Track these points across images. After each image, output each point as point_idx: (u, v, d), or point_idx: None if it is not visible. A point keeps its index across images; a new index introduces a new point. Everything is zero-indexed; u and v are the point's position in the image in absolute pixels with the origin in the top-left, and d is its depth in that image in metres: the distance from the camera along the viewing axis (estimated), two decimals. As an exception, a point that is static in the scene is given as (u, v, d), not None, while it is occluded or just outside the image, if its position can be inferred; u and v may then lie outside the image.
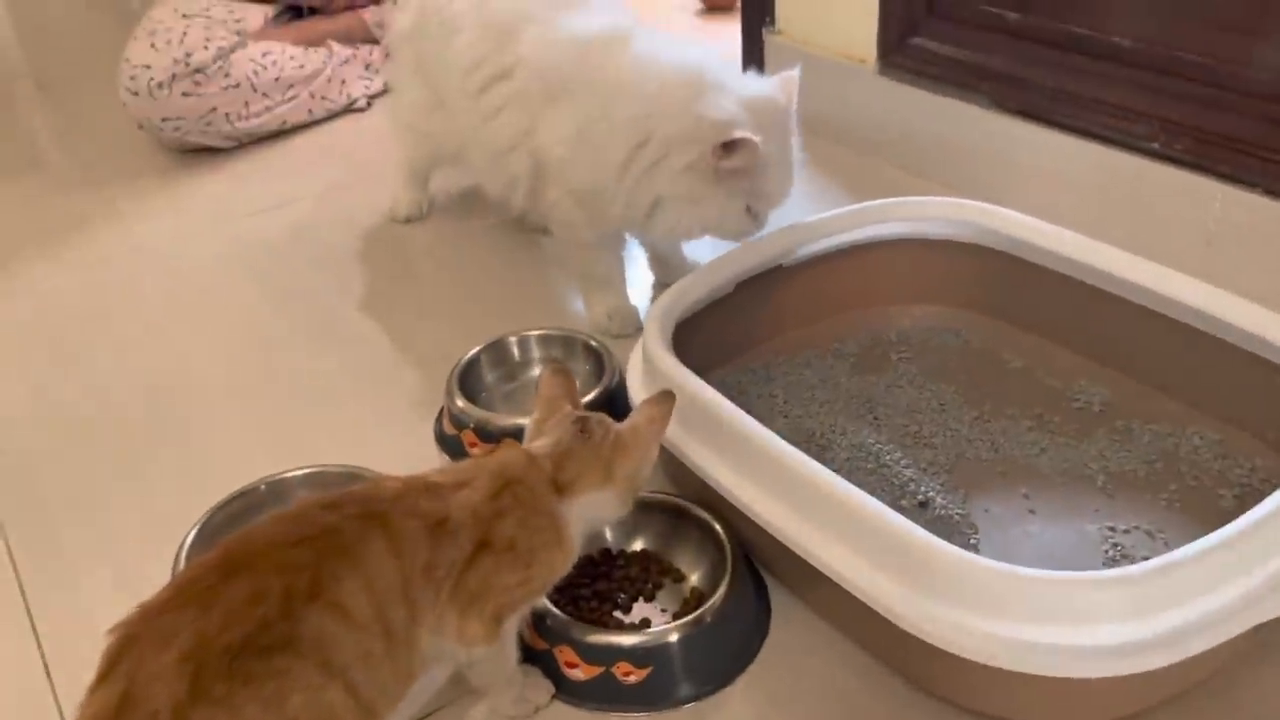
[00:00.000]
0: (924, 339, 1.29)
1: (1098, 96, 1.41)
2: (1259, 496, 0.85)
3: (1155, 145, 1.35)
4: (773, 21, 1.84)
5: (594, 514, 0.88)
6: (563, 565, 0.85)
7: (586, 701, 0.91)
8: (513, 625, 0.85)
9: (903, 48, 1.65)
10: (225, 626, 0.68)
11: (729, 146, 1.11)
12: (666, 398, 0.91)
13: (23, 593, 1.07)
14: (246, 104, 1.96)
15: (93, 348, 1.48)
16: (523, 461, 0.84)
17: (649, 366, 1.06)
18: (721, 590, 0.93)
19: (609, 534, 1.03)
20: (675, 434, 1.00)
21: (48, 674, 0.98)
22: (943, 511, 1.02)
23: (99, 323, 1.54)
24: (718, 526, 0.98)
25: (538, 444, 0.87)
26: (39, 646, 1.01)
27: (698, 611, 0.92)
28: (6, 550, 1.12)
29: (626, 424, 0.89)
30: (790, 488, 0.90)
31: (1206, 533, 0.80)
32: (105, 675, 0.67)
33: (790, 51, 1.77)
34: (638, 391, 1.07)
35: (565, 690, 0.91)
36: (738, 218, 1.19)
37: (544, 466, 0.84)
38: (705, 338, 1.18)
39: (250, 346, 1.45)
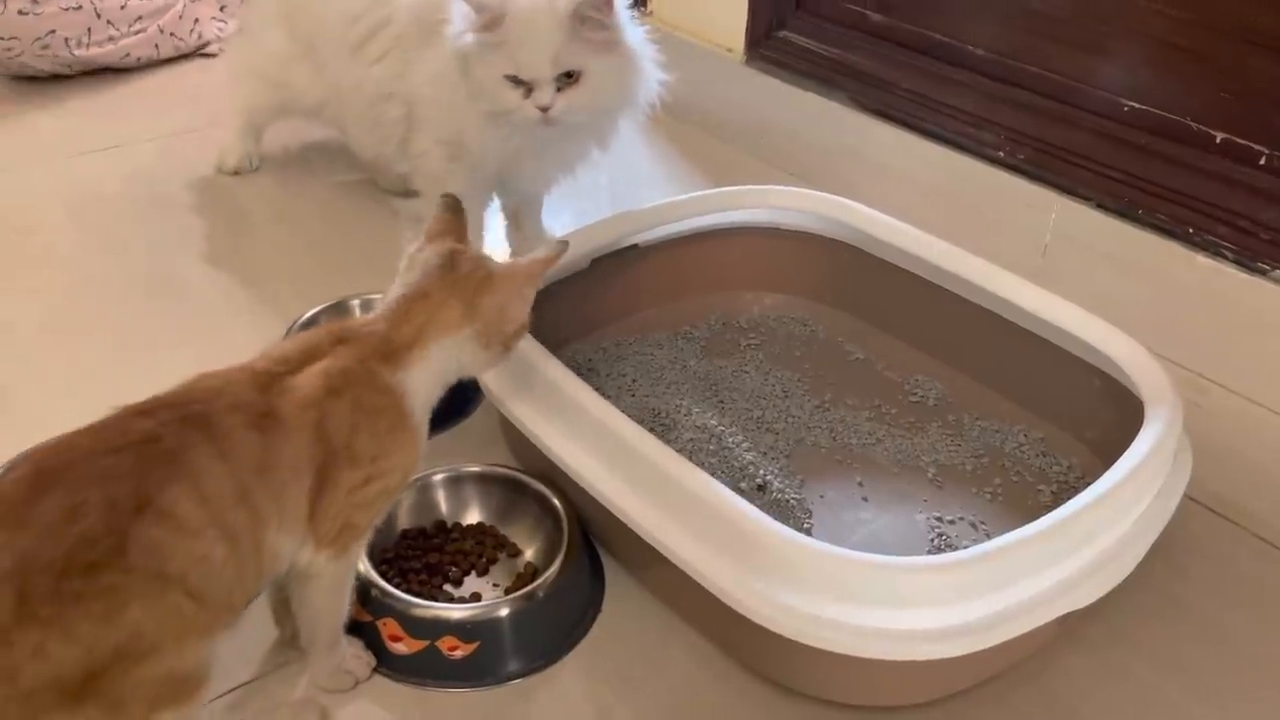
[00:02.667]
0: (773, 327, 1.30)
1: (950, 102, 1.46)
2: (1074, 493, 0.89)
3: (1000, 153, 1.40)
4: (644, 2, 1.83)
5: (451, 366, 0.83)
6: (413, 452, 0.80)
7: (409, 676, 0.88)
8: (360, 547, 0.82)
9: (770, 40, 1.67)
10: (44, 544, 0.63)
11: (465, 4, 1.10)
12: (559, 245, 0.87)
13: None
14: (89, 30, 1.82)
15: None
16: (348, 354, 0.77)
17: (496, 337, 1.03)
18: (556, 565, 0.91)
19: (443, 506, 1.00)
20: (518, 407, 0.99)
21: None
22: (780, 495, 1.03)
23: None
24: (556, 502, 0.97)
25: (372, 315, 0.82)
26: None
27: (529, 588, 0.90)
28: None
29: (500, 263, 0.85)
30: (630, 465, 0.89)
31: (1025, 525, 0.84)
32: None
33: (659, 34, 1.76)
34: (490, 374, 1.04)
35: (387, 664, 0.89)
36: (500, 87, 1.13)
37: (371, 338, 0.79)
38: (558, 312, 1.16)
39: (70, 291, 1.36)
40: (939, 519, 1.05)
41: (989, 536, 1.01)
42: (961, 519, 1.05)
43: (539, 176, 1.33)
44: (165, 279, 1.39)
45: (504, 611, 0.89)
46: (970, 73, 1.44)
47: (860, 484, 1.09)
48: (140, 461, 0.68)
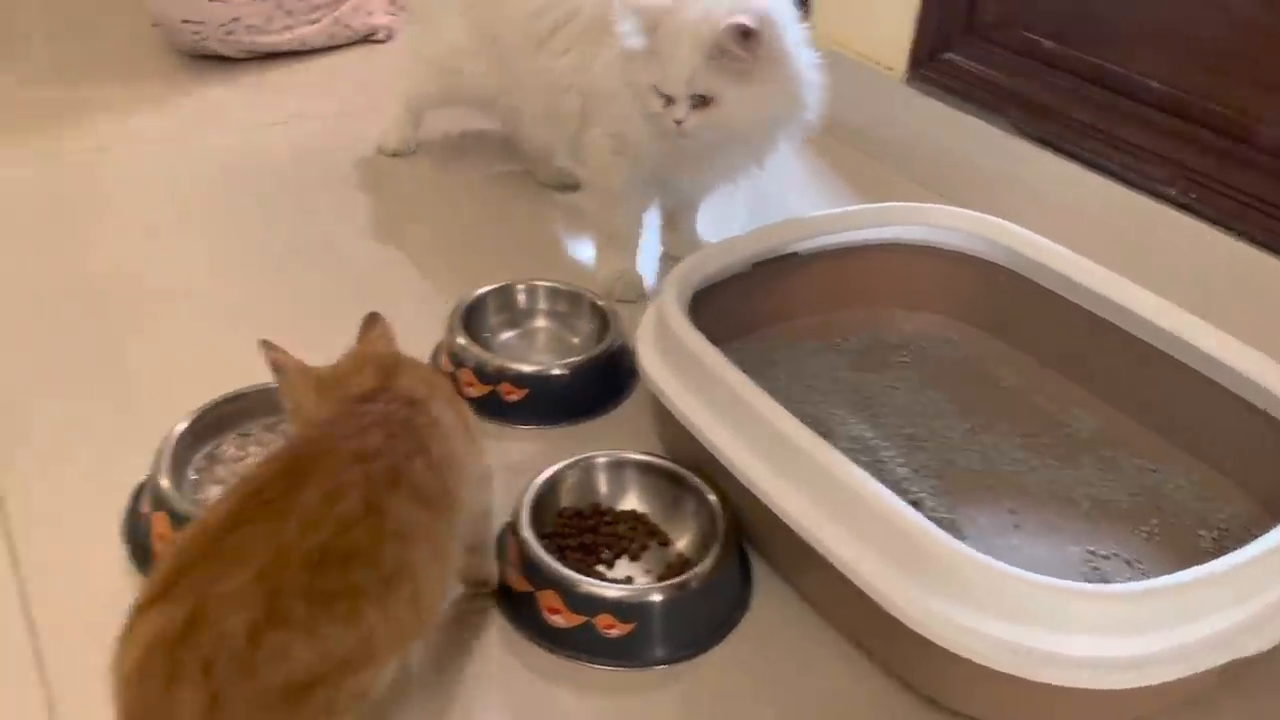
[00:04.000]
0: (923, 346, 1.30)
1: (1122, 135, 1.43)
2: (1238, 541, 0.87)
3: (1172, 191, 1.37)
4: (806, 15, 1.83)
5: None
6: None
7: (563, 648, 0.90)
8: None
9: (934, 61, 1.66)
10: (304, 532, 0.65)
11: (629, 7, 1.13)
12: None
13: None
14: (270, 18, 1.91)
15: (82, 237, 1.44)
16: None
17: (664, 331, 1.06)
18: (710, 558, 0.93)
19: (602, 489, 1.03)
20: (684, 401, 1.00)
21: (14, 561, 0.96)
22: (932, 514, 1.03)
23: (90, 212, 1.50)
24: (712, 497, 0.98)
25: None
26: (7, 535, 0.98)
27: (684, 575, 0.92)
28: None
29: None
30: (797, 465, 0.90)
31: (1183, 568, 0.82)
32: (162, 594, 0.64)
33: (818, 48, 1.77)
34: (649, 356, 1.06)
35: (543, 635, 0.91)
36: (648, 93, 1.15)
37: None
38: (714, 312, 1.17)
39: (246, 258, 1.42)
40: (1093, 553, 1.03)
41: (1144, 575, 1.00)
42: (1116, 555, 1.03)
43: (696, 181, 1.35)
44: (333, 250, 1.45)
45: (657, 597, 0.90)
46: (1145, 106, 1.42)
47: (1012, 511, 1.07)
48: (387, 438, 0.72)
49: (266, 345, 0.83)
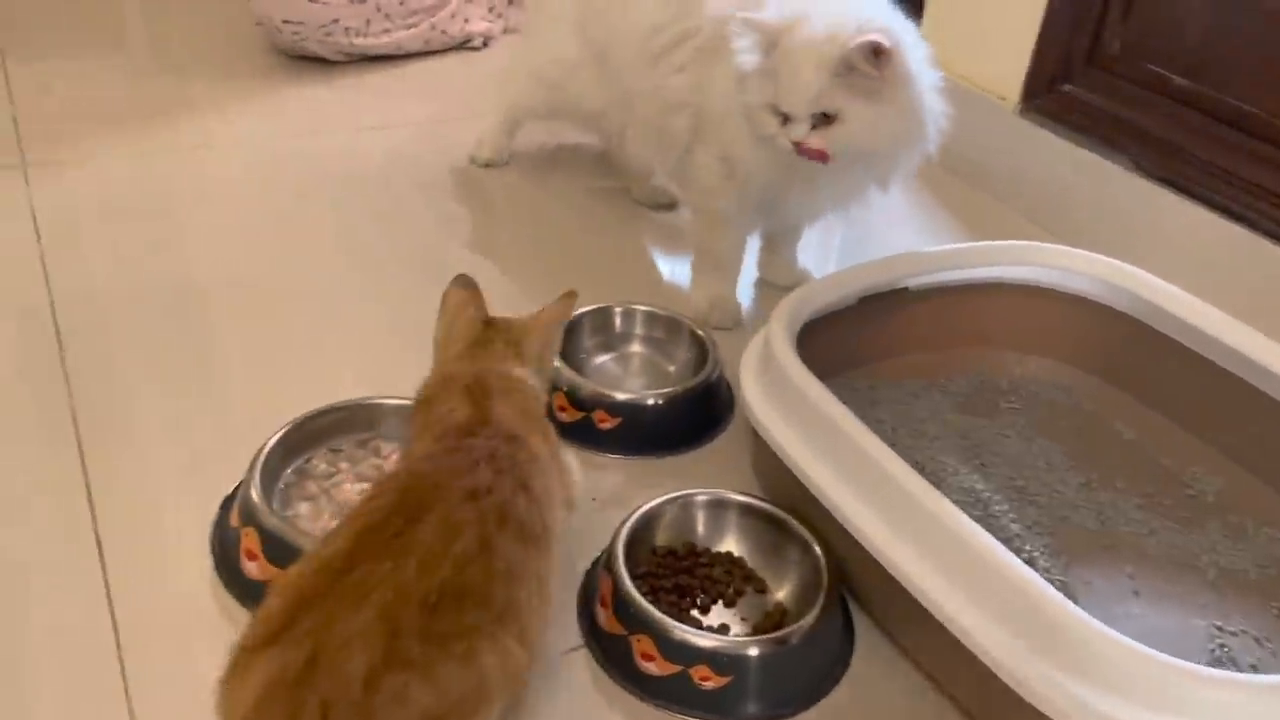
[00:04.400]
0: (1035, 392, 1.24)
1: (1254, 179, 1.36)
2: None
3: (1306, 239, 1.30)
4: (915, 39, 1.78)
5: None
6: None
7: (654, 697, 0.86)
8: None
9: (1051, 92, 1.60)
10: (423, 572, 0.64)
11: (746, 24, 1.10)
12: (569, 298, 0.95)
13: (86, 476, 1.03)
14: (369, 21, 1.91)
15: (183, 231, 1.44)
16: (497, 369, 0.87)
17: (769, 365, 1.01)
18: (814, 613, 0.88)
19: (700, 528, 0.98)
20: (788, 438, 0.96)
21: (101, 557, 0.94)
22: (1045, 575, 0.97)
23: (190, 207, 1.50)
24: (817, 548, 0.93)
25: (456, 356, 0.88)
26: (95, 532, 0.97)
27: (784, 630, 0.87)
28: (74, 428, 1.08)
29: (526, 316, 0.93)
30: (912, 520, 0.85)
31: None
32: (278, 635, 0.62)
33: (928, 73, 1.71)
34: (753, 390, 1.02)
35: (635, 683, 0.87)
36: (762, 112, 1.12)
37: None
38: (818, 345, 1.12)
39: (339, 263, 1.41)
40: (1219, 628, 0.96)
41: (1275, 657, 0.93)
42: (1245, 632, 0.96)
43: (806, 207, 1.31)
44: (431, 258, 1.42)
45: (755, 650, 0.86)
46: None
47: (1130, 575, 1.01)
48: (495, 475, 0.71)
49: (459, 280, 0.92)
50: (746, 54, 1.11)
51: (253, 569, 0.90)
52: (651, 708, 0.86)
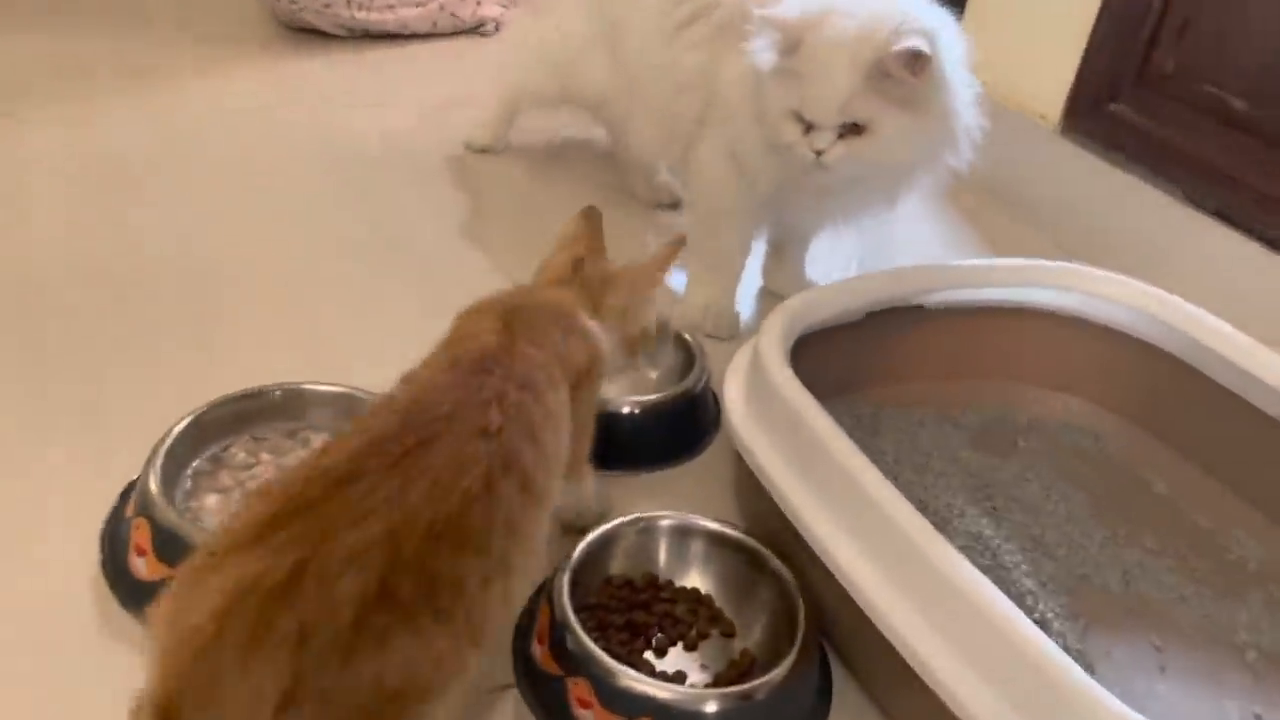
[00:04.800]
0: (1056, 433, 1.10)
1: (1317, 215, 1.23)
2: None
3: (1374, 286, 1.16)
4: (950, 51, 1.66)
5: None
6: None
7: (588, 753, 0.74)
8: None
9: (1095, 112, 1.47)
10: (433, 499, 0.57)
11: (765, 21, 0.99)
12: (677, 242, 0.91)
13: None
14: (372, -5, 1.81)
15: (141, 200, 1.34)
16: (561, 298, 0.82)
17: (758, 379, 0.89)
18: (784, 666, 0.75)
19: (661, 558, 0.86)
20: (774, 464, 0.83)
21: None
22: (1059, 641, 0.84)
23: (161, 175, 1.40)
24: (796, 591, 0.80)
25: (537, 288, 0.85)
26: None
27: (750, 684, 0.74)
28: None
29: (623, 267, 0.88)
30: (909, 566, 0.72)
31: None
32: (260, 538, 0.53)
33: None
34: (737, 405, 0.90)
35: (567, 732, 0.74)
36: (782, 118, 1.00)
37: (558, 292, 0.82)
38: (815, 362, 1.00)
39: (313, 242, 1.30)
40: (1259, 717, 0.82)
41: (1322, 756, 0.79)
42: (1288, 724, 0.82)
43: (814, 217, 1.19)
44: (407, 245, 1.32)
45: (713, 706, 0.73)
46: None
47: (1157, 648, 0.88)
48: (505, 419, 0.64)
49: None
50: (763, 53, 1.00)
51: (140, 566, 0.78)
52: (582, 764, 0.73)
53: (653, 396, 1.01)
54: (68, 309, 1.11)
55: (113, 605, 0.78)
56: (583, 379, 0.77)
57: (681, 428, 1.03)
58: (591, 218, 0.89)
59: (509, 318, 0.74)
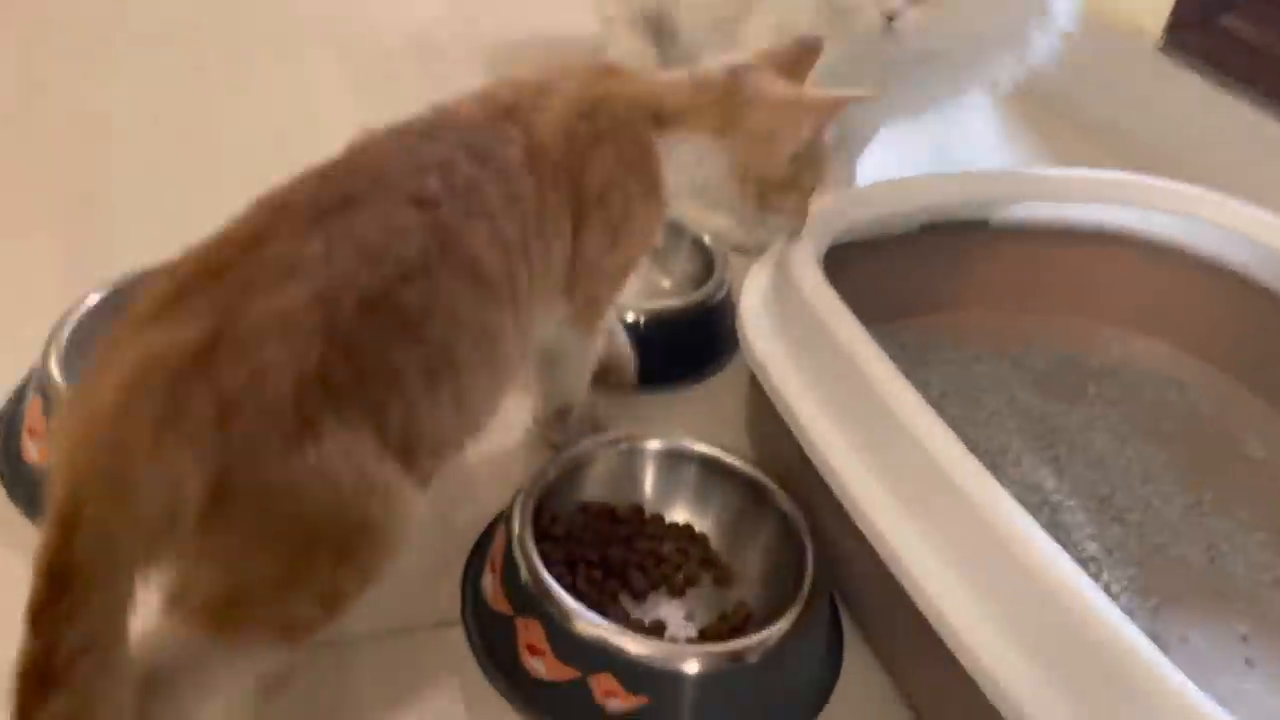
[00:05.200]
0: (1137, 381, 0.94)
1: None
2: None
3: None
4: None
5: (692, 172, 0.68)
6: (657, 224, 0.68)
7: (536, 711, 0.60)
8: (605, 323, 0.72)
9: (1204, 25, 1.28)
10: (365, 263, 0.49)
11: None
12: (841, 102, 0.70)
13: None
14: None
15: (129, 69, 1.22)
16: (615, 77, 0.66)
17: (782, 281, 0.74)
18: (785, 623, 0.61)
19: (647, 487, 0.72)
20: (789, 383, 0.69)
21: None
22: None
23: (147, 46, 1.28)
24: (806, 537, 0.66)
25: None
26: None
27: (740, 642, 0.60)
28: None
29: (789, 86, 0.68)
30: (946, 511, 0.58)
31: None
32: (164, 311, 0.46)
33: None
34: (755, 316, 0.76)
35: (513, 685, 0.61)
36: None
37: (644, 87, 0.66)
38: (856, 280, 0.85)
39: (313, 141, 1.16)
40: (1364, 726, 0.67)
41: None
42: (1400, 737, 0.67)
43: (868, 110, 1.03)
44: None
45: (691, 665, 0.59)
46: None
47: (1244, 637, 0.73)
48: (449, 190, 0.54)
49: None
50: None
51: (34, 452, 0.66)
52: (527, 722, 0.60)
53: (660, 304, 0.87)
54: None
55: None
56: (607, 197, 0.63)
57: (692, 344, 0.89)
58: (806, 46, 0.70)
59: (581, 106, 0.63)
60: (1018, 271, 0.96)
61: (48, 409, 0.65)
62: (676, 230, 0.95)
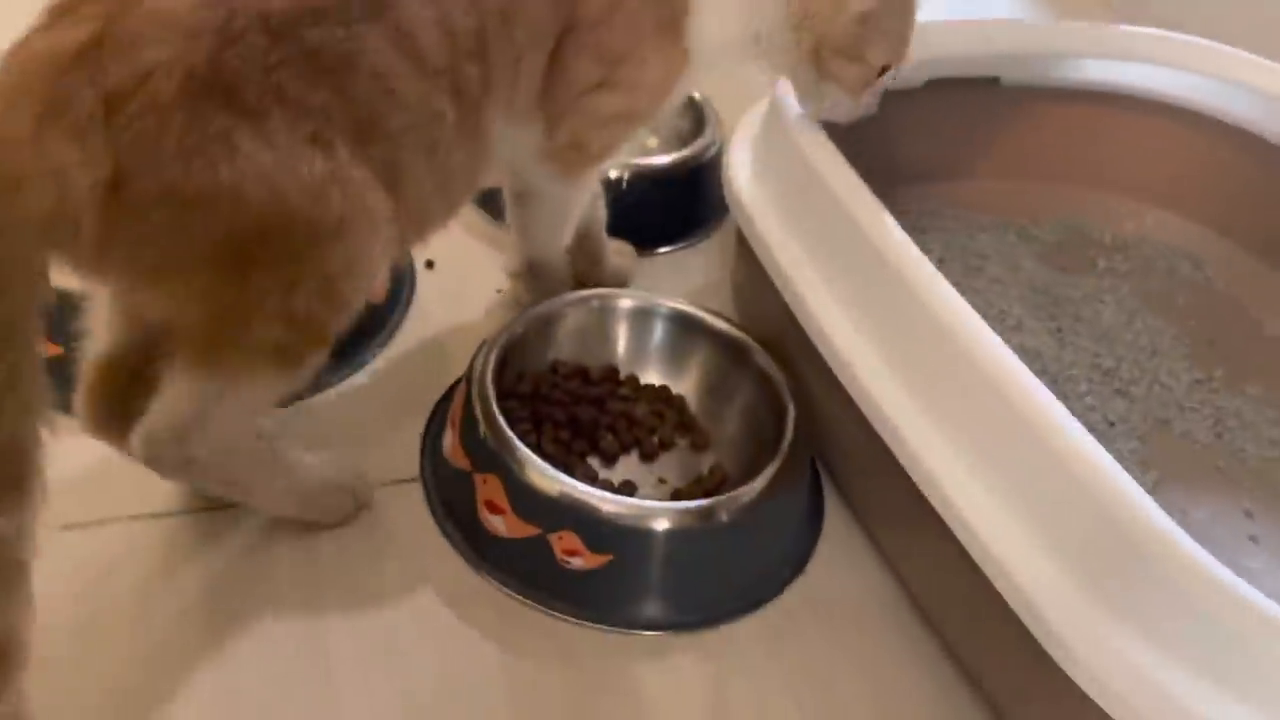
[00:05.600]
0: (1149, 255, 0.89)
1: None
2: None
3: None
4: None
5: (744, 26, 0.60)
6: (671, 75, 0.60)
7: (495, 569, 0.57)
8: (591, 179, 0.66)
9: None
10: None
11: None
12: None
13: None
14: None
15: None
16: None
17: (774, 135, 0.69)
18: (760, 481, 0.58)
19: (620, 345, 0.68)
20: (775, 234, 0.64)
21: None
22: (1125, 491, 0.66)
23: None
24: (785, 395, 0.62)
25: None
26: None
27: (712, 499, 0.57)
28: None
29: None
30: (946, 371, 0.54)
31: None
32: (59, 18, 0.44)
33: None
34: (741, 164, 0.70)
35: (472, 543, 0.58)
36: None
37: None
38: (859, 141, 0.80)
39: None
40: (1372, 605, 0.64)
41: None
42: None
43: None
44: None
45: (661, 523, 0.56)
46: None
47: (1249, 514, 0.70)
48: None
49: None
50: None
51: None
52: (489, 582, 0.57)
53: (647, 161, 0.81)
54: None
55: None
56: (609, 21, 0.57)
57: (680, 204, 0.84)
58: None
59: None
60: (1027, 136, 0.89)
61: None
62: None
